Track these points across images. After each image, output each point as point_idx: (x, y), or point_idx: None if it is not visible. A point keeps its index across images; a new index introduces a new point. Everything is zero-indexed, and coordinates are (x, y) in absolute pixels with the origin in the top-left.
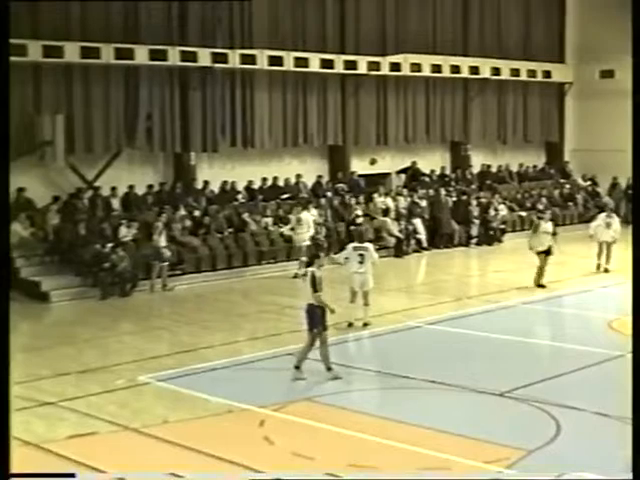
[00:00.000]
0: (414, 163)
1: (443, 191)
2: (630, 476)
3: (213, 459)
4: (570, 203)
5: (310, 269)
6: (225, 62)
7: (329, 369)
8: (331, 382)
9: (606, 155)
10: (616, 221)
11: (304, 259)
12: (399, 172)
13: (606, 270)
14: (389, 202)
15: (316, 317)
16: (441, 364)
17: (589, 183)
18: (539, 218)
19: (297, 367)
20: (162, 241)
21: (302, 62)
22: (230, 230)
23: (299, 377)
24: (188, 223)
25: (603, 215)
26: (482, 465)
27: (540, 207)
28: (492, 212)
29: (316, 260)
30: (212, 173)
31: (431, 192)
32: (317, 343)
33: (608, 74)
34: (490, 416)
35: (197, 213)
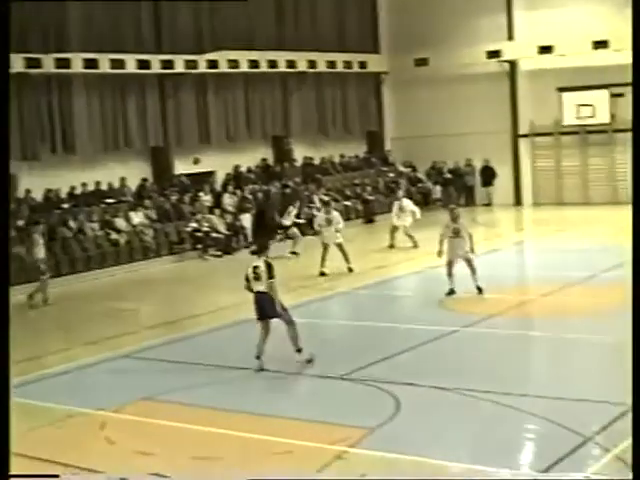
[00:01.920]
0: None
1: (269, 186)
2: (630, 476)
3: (52, 464)
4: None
5: (262, 258)
6: (39, 67)
7: (258, 358)
8: (170, 379)
9: (425, 141)
10: (408, 205)
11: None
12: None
13: (415, 245)
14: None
15: (267, 304)
16: (277, 353)
17: (410, 170)
18: (397, 199)
19: (258, 357)
20: None
21: (118, 64)
22: (55, 237)
23: (262, 367)
24: (13, 233)
25: (397, 203)
26: (325, 446)
27: (368, 197)
28: (317, 203)
29: (265, 250)
30: (33, 181)
31: (257, 187)
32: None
33: (422, 62)
34: (331, 399)
35: (20, 222)
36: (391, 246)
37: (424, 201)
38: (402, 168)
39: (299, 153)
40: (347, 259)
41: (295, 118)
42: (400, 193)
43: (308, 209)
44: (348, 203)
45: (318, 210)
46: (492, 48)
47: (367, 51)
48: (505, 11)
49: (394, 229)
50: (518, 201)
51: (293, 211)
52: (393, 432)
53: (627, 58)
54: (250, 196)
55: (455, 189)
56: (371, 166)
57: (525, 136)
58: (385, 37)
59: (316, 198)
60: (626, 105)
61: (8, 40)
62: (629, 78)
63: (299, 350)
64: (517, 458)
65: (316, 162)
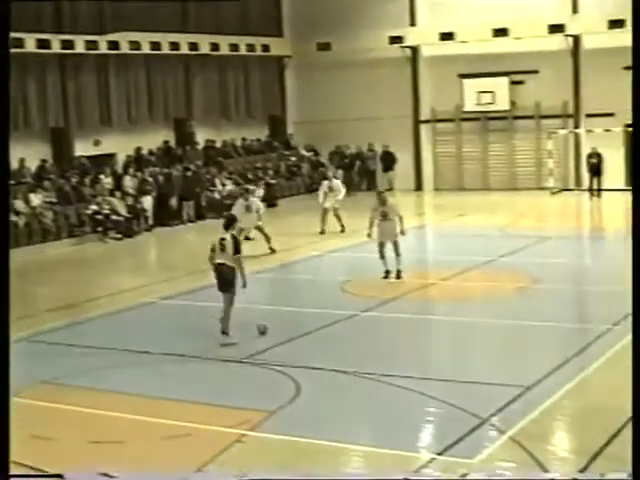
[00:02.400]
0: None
1: (170, 169)
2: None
3: None
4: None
5: (229, 232)
6: None
7: (224, 333)
8: (70, 362)
9: (327, 125)
10: (338, 185)
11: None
12: None
13: (343, 229)
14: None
15: (225, 278)
16: (179, 337)
17: (312, 154)
18: (325, 178)
19: (224, 332)
20: None
21: (18, 42)
22: None
23: (229, 342)
24: None
25: (326, 182)
26: (225, 429)
27: (270, 180)
28: (219, 186)
29: (233, 224)
30: None
31: (158, 170)
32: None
33: (325, 47)
34: (231, 382)
35: None
36: (322, 232)
37: None
38: (304, 152)
39: (201, 136)
40: (268, 240)
41: (197, 101)
42: (330, 173)
43: (210, 192)
44: (250, 187)
45: (219, 193)
46: (394, 34)
47: (270, 35)
48: None
49: (325, 212)
50: (419, 186)
51: (258, 192)
52: (293, 415)
53: (526, 46)
54: (150, 179)
55: (357, 173)
56: (273, 150)
57: (426, 122)
58: (288, 21)
59: (218, 181)
60: (525, 92)
61: (8, 40)
62: (529, 65)
63: (224, 331)
64: (415, 440)
65: (218, 145)
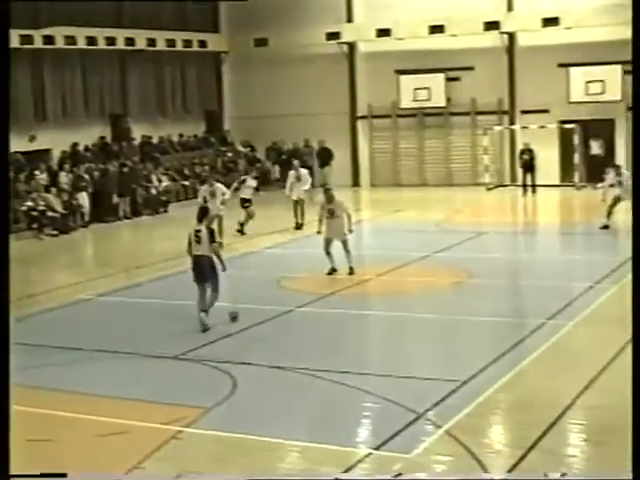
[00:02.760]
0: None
1: (106, 165)
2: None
3: None
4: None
5: (204, 224)
6: None
7: (204, 311)
8: None
9: (264, 121)
10: (305, 175)
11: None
12: None
13: (299, 226)
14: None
15: (205, 268)
16: (114, 333)
17: (248, 149)
18: (291, 168)
19: (203, 311)
20: None
21: None
22: None
23: (206, 327)
24: None
25: (292, 173)
26: (161, 426)
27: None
28: (155, 182)
29: (207, 215)
30: None
31: (93, 166)
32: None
33: (262, 42)
34: (167, 379)
35: None
36: (299, 226)
37: (263, 181)
38: (241, 148)
39: (137, 132)
40: (221, 233)
41: (134, 96)
42: (296, 162)
43: (146, 189)
44: (186, 183)
45: (156, 189)
46: (331, 30)
47: (207, 30)
48: None
49: (296, 205)
50: (356, 182)
51: (251, 181)
52: (230, 411)
53: (462, 43)
54: (86, 175)
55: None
56: (210, 146)
57: (363, 118)
58: (225, 17)
59: (154, 177)
60: (461, 89)
61: (8, 39)
62: (464, 62)
63: (205, 311)
64: (352, 435)
65: (154, 141)
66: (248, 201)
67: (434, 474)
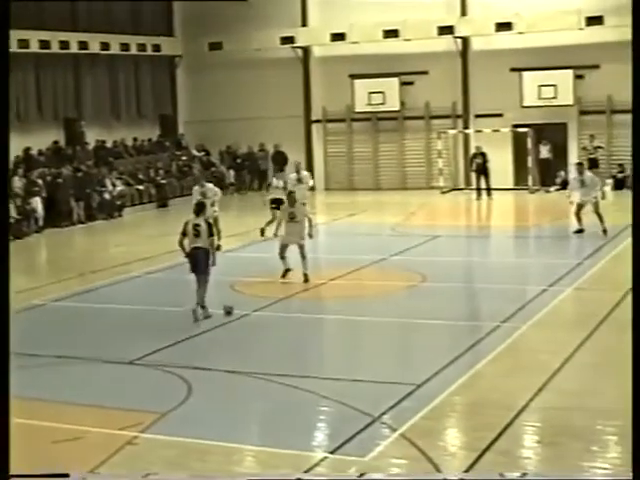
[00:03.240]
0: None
1: (60, 169)
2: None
3: None
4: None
5: (202, 218)
6: None
7: (203, 307)
8: None
9: (219, 125)
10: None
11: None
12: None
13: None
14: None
15: (201, 260)
16: (69, 339)
17: (203, 153)
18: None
19: (200, 306)
20: None
21: None
22: None
23: (207, 314)
24: None
25: (198, 185)
26: (115, 432)
27: (161, 181)
28: (109, 187)
29: (203, 210)
30: None
31: (47, 170)
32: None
33: (217, 46)
34: (122, 385)
35: None
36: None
37: (218, 185)
38: (195, 152)
39: (91, 136)
40: (218, 234)
41: (87, 100)
42: (297, 164)
43: (99, 194)
44: (141, 187)
45: (110, 194)
46: (286, 34)
47: (161, 34)
48: None
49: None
50: (311, 186)
51: (277, 182)
52: (185, 416)
53: (416, 47)
54: (39, 180)
55: (249, 173)
56: (164, 150)
57: (318, 122)
58: (180, 20)
59: (108, 182)
60: (415, 93)
61: (8, 39)
62: (418, 66)
63: (203, 306)
64: (307, 439)
65: (109, 145)
66: (276, 202)
67: (394, 475)
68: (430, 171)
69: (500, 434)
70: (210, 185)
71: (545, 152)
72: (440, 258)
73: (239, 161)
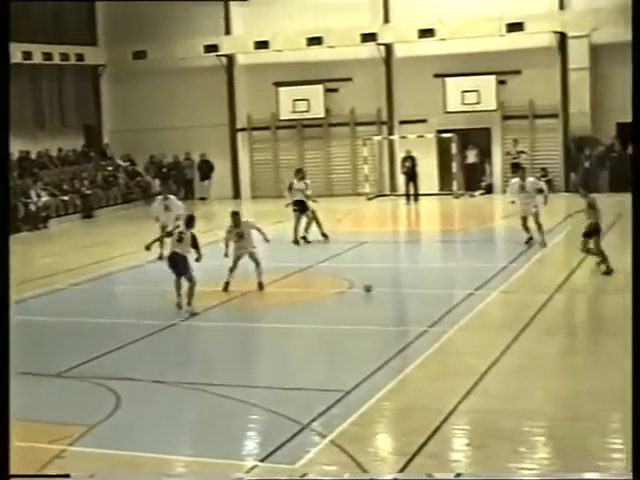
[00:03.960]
0: None
1: None
2: (630, 476)
3: None
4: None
5: (190, 230)
6: None
7: (189, 304)
8: None
9: (144, 134)
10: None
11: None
12: None
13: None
14: None
15: (180, 264)
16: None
17: (128, 163)
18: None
19: (180, 306)
20: None
21: None
22: None
23: (195, 312)
24: None
25: (160, 197)
26: (43, 445)
27: (86, 191)
28: (34, 198)
29: (192, 223)
30: None
31: None
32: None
33: (140, 55)
34: (48, 397)
35: None
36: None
37: (143, 195)
38: (121, 162)
39: (15, 147)
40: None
41: (10, 111)
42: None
43: (23, 205)
44: (66, 198)
45: (35, 205)
46: (209, 42)
47: (85, 43)
48: (222, 5)
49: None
50: (237, 194)
51: (298, 184)
52: (114, 428)
53: (340, 54)
54: None
55: (175, 182)
56: (89, 160)
57: (243, 130)
58: (103, 29)
59: (33, 193)
60: (340, 100)
61: (8, 39)
62: (343, 73)
63: (189, 303)
64: (238, 448)
65: (33, 156)
66: (299, 204)
67: (330, 474)
68: (356, 178)
69: (429, 438)
70: (173, 197)
71: (472, 157)
72: (367, 264)
73: (165, 170)
